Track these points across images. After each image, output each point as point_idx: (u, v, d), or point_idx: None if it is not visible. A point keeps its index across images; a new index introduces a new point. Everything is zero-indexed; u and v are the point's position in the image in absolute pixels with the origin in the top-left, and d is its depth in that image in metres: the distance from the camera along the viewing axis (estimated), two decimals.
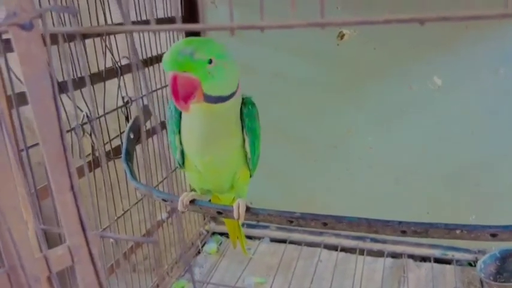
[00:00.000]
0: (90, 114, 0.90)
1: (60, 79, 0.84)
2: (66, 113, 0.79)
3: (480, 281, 1.20)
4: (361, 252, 1.39)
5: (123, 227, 1.10)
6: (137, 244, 1.19)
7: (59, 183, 0.34)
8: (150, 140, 1.18)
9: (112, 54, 1.01)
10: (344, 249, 1.42)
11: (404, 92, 1.27)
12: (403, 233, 0.59)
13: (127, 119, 1.06)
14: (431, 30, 1.13)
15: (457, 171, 1.30)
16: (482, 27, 1.15)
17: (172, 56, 0.63)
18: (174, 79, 0.63)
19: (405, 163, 1.33)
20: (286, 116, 1.38)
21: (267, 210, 0.69)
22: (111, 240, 1.01)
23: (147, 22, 1.11)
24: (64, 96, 0.79)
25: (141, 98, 1.09)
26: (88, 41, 0.94)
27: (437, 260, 1.35)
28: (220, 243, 1.51)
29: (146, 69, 1.16)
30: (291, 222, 0.65)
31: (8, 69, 0.48)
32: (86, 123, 0.92)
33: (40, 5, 0.75)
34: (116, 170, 1.04)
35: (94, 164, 0.98)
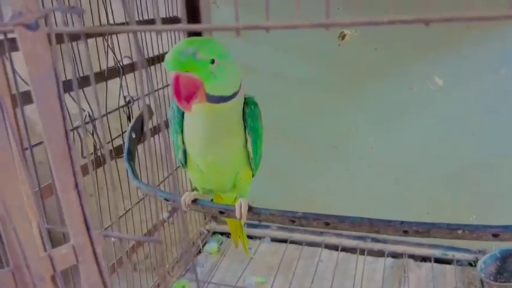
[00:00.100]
0: (92, 113, 0.90)
1: (63, 78, 0.84)
2: (68, 112, 0.79)
3: (480, 281, 1.20)
4: (362, 252, 1.39)
5: (124, 226, 1.11)
6: (138, 243, 1.19)
7: (64, 182, 0.34)
8: (150, 139, 1.18)
9: (114, 54, 1.01)
10: (345, 249, 1.42)
11: (405, 92, 1.27)
12: (405, 232, 0.59)
13: (129, 118, 1.06)
14: (432, 30, 1.12)
15: (457, 171, 1.30)
16: (483, 27, 1.15)
17: (175, 56, 0.63)
18: (177, 79, 0.63)
19: (405, 163, 1.34)
20: (286, 116, 1.38)
21: (269, 210, 0.69)
22: (113, 239, 1.01)
23: (149, 22, 1.11)
24: (65, 96, 0.79)
25: (141, 98, 1.09)
26: (90, 41, 0.95)
27: (438, 260, 1.35)
28: (221, 243, 1.51)
29: (148, 68, 1.16)
30: (293, 222, 0.65)
31: (13, 68, 0.48)
32: (88, 122, 0.92)
33: (43, 5, 0.76)
34: (117, 170, 1.04)
35: (96, 163, 0.98)
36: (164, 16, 1.22)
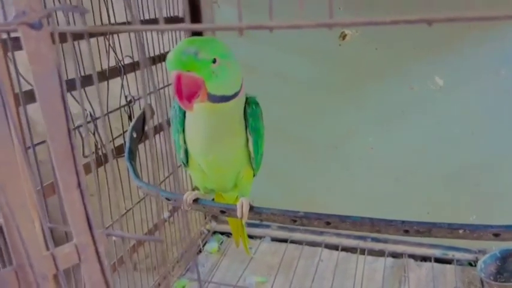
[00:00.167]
0: (93, 113, 0.91)
1: (64, 77, 0.84)
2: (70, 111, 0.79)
3: (480, 280, 1.21)
4: (362, 251, 1.39)
5: (124, 226, 1.11)
6: (139, 243, 1.19)
7: (66, 181, 0.34)
8: (152, 139, 1.18)
9: (115, 53, 1.01)
10: (345, 249, 1.42)
11: (405, 92, 1.27)
12: (406, 232, 0.59)
13: (130, 118, 1.06)
14: (432, 30, 1.12)
15: (457, 171, 1.30)
16: (484, 28, 1.15)
17: (176, 55, 0.63)
18: (178, 78, 0.63)
19: (406, 163, 1.34)
20: (287, 116, 1.38)
21: (271, 210, 0.69)
22: (114, 238, 1.02)
23: (150, 21, 1.12)
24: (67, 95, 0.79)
25: (144, 97, 1.09)
26: (91, 40, 0.94)
27: (438, 260, 1.36)
28: (222, 242, 1.51)
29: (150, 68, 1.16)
30: (295, 221, 0.65)
31: (16, 67, 0.48)
32: (89, 122, 0.92)
33: (45, 5, 0.76)
34: (118, 169, 1.04)
35: (97, 162, 0.98)
36: (165, 16, 1.22)
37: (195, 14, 1.30)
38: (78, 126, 0.88)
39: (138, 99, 1.09)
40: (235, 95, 0.70)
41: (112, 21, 1.00)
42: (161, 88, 1.21)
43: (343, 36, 1.26)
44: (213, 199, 0.90)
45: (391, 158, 1.35)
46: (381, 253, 1.40)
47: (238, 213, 0.71)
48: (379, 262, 1.36)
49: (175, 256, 1.36)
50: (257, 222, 1.39)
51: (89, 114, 0.91)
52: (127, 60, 1.06)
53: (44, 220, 0.38)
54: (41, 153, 0.69)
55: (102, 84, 1.00)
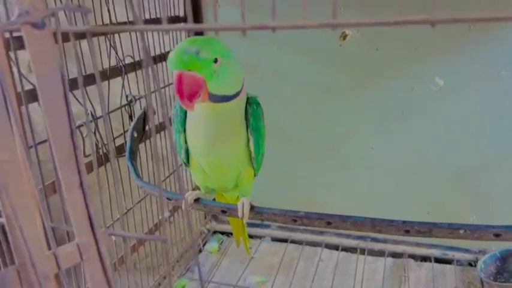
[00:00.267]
0: (94, 112, 0.91)
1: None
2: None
3: (480, 281, 1.21)
4: (362, 251, 1.39)
5: (125, 225, 1.11)
6: (140, 242, 1.19)
7: (69, 181, 0.34)
8: (151, 138, 1.18)
9: (116, 53, 1.01)
10: (345, 249, 1.42)
11: (406, 93, 1.27)
12: (407, 232, 0.59)
13: (130, 117, 1.06)
14: (433, 31, 1.12)
15: (457, 171, 1.31)
16: (485, 28, 1.15)
17: (178, 54, 0.63)
18: (179, 78, 0.63)
19: (406, 163, 1.34)
20: (287, 116, 1.38)
21: (272, 209, 0.69)
22: (114, 238, 1.02)
23: (151, 21, 1.12)
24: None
25: (146, 96, 1.09)
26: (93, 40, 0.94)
27: (438, 260, 1.36)
28: (222, 242, 1.51)
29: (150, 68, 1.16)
30: (295, 221, 0.65)
31: (18, 66, 0.48)
32: (90, 121, 0.92)
33: (46, 4, 0.75)
34: (119, 169, 1.04)
35: (98, 162, 0.98)
36: (166, 15, 1.22)
37: (196, 14, 1.30)
38: (79, 126, 0.88)
39: (139, 98, 1.09)
40: (237, 95, 0.70)
41: (113, 20, 1.00)
42: (162, 88, 1.21)
43: (344, 37, 1.26)
44: (214, 199, 0.90)
45: (392, 158, 1.35)
46: (380, 253, 1.40)
47: (239, 213, 0.71)
48: (379, 262, 1.37)
49: (176, 256, 1.36)
50: (257, 222, 1.39)
51: (90, 113, 0.91)
52: (128, 60, 1.06)
53: (47, 220, 0.38)
54: (42, 153, 0.69)
55: (103, 83, 1.00)
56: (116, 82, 1.04)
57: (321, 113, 1.37)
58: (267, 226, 1.50)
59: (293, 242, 1.46)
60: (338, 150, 1.39)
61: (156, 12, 1.17)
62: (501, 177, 1.28)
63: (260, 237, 1.50)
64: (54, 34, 0.31)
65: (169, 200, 0.76)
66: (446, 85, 1.23)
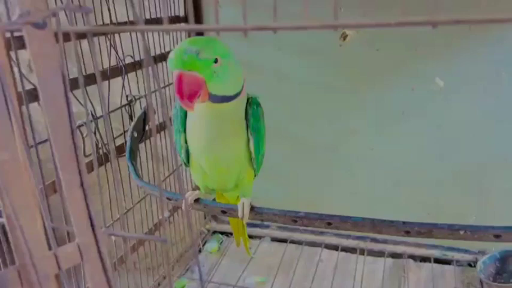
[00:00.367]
0: (94, 112, 0.91)
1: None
2: None
3: (480, 281, 1.21)
4: (362, 252, 1.39)
5: (125, 225, 1.11)
6: (140, 242, 1.19)
7: (69, 181, 0.34)
8: (151, 138, 1.18)
9: (117, 53, 1.01)
10: (345, 249, 1.42)
11: (406, 93, 1.27)
12: (407, 233, 0.59)
13: (130, 117, 1.06)
14: (434, 31, 1.12)
15: (457, 172, 1.31)
16: (485, 29, 1.15)
17: (178, 55, 0.63)
18: (180, 78, 0.63)
19: (406, 164, 1.34)
20: (287, 116, 1.38)
21: (272, 210, 0.69)
22: (114, 238, 1.02)
23: (151, 21, 1.11)
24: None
25: (147, 95, 1.09)
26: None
27: (437, 261, 1.36)
28: (221, 242, 1.51)
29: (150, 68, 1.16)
30: (295, 221, 0.65)
31: (19, 66, 0.48)
32: (91, 121, 0.92)
33: (48, 4, 0.76)
34: (119, 169, 1.04)
35: (98, 162, 0.98)
36: (167, 15, 1.22)
37: (197, 14, 1.30)
38: (80, 126, 0.88)
39: (139, 98, 1.09)
40: (237, 95, 0.70)
41: (113, 20, 1.00)
42: (162, 87, 1.21)
43: (344, 37, 1.26)
44: (214, 199, 0.90)
45: (392, 159, 1.35)
46: (380, 253, 1.40)
47: (239, 214, 0.71)
48: (379, 262, 1.37)
49: (175, 256, 1.36)
50: (257, 222, 1.39)
51: (90, 113, 0.91)
52: (128, 60, 1.06)
53: (47, 220, 0.38)
54: (42, 152, 0.69)
55: (103, 83, 1.00)
56: (116, 82, 1.04)
57: (321, 113, 1.37)
58: (267, 226, 1.50)
59: (293, 242, 1.46)
60: (338, 150, 1.39)
61: (156, 12, 1.17)
62: (501, 177, 1.28)
63: (260, 237, 1.50)
64: (55, 34, 0.31)
65: (169, 200, 0.76)
66: (447, 85, 1.23)
